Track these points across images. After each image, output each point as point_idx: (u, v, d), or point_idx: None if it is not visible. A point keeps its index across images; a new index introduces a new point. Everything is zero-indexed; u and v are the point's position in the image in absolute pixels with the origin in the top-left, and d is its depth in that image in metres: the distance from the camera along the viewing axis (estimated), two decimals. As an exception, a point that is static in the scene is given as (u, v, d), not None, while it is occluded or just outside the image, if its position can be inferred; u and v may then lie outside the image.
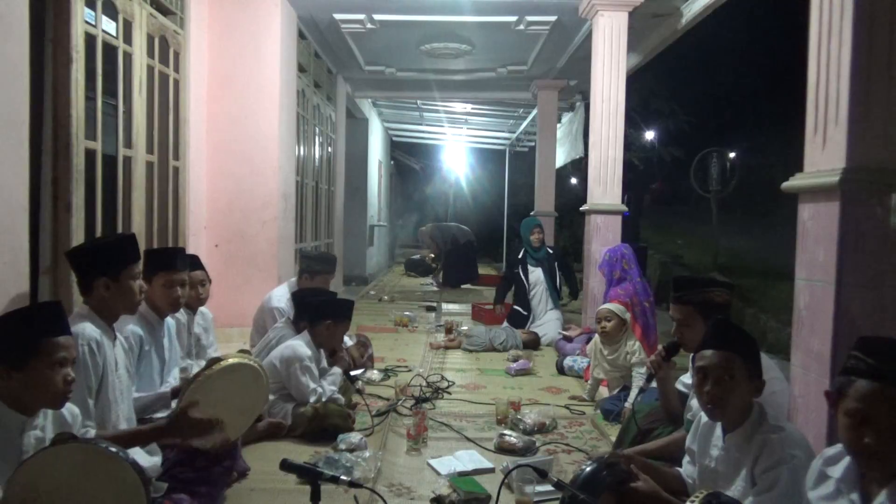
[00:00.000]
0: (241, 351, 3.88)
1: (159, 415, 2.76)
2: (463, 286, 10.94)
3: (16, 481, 1.60)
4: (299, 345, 3.54)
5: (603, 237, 5.55)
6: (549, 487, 2.20)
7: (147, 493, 1.72)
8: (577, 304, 7.21)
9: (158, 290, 2.84)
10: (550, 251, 6.64)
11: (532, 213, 9.45)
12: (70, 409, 1.95)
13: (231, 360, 2.44)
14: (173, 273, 2.87)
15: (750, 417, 2.00)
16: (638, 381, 3.89)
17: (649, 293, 4.85)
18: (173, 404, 2.78)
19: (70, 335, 1.89)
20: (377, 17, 6.48)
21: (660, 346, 2.99)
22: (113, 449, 1.71)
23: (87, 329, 2.20)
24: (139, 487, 1.69)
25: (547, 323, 6.23)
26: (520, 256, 6.56)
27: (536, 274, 6.43)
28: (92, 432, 2.11)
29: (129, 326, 2.69)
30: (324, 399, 3.49)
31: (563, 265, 6.59)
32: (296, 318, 3.83)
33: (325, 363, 3.73)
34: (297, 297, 3.90)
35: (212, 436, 2.27)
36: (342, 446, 3.17)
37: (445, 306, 8.47)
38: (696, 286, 2.68)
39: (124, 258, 2.36)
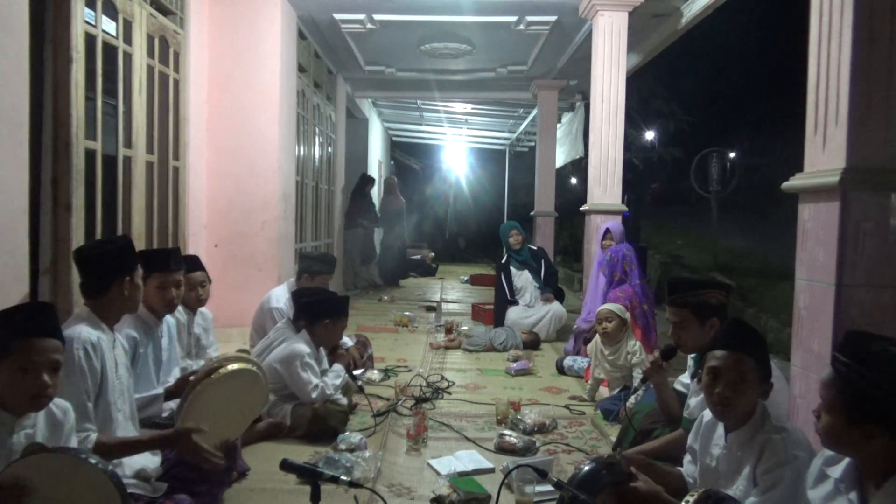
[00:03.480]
0: (240, 350, 3.88)
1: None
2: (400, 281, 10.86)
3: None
4: (299, 344, 3.54)
5: (599, 233, 5.55)
6: (549, 487, 2.20)
7: (122, 493, 1.70)
8: (577, 304, 7.19)
9: (153, 291, 2.85)
10: (534, 249, 6.60)
11: (532, 213, 9.50)
12: (62, 407, 1.93)
13: (229, 367, 2.43)
14: (168, 274, 2.88)
15: (753, 417, 2.00)
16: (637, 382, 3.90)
17: (649, 295, 4.85)
18: (166, 406, 2.80)
19: (56, 339, 1.83)
20: (377, 17, 6.48)
21: (655, 352, 2.99)
22: (82, 455, 1.70)
23: (84, 332, 2.19)
24: (111, 488, 1.67)
25: (539, 312, 6.23)
26: (503, 261, 6.55)
27: (524, 276, 6.40)
28: (93, 436, 2.10)
29: (124, 329, 2.69)
30: (328, 392, 3.49)
31: (548, 265, 6.49)
32: (294, 318, 3.83)
33: (325, 364, 3.73)
34: (296, 297, 3.90)
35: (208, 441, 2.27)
36: (342, 446, 3.17)
37: (445, 306, 8.48)
38: (690, 288, 2.68)
39: (135, 257, 2.43)
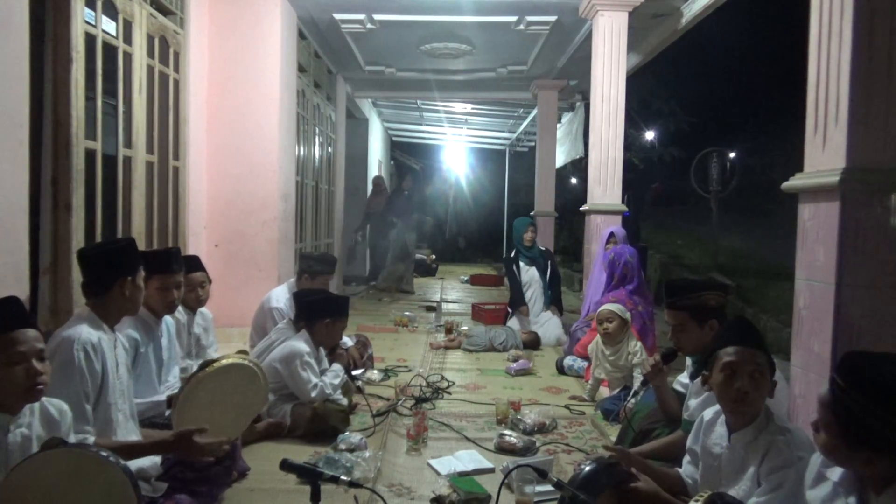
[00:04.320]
0: (240, 352, 3.88)
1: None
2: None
3: (7, 485, 1.60)
4: (299, 343, 3.54)
5: (603, 237, 5.55)
6: (549, 487, 2.20)
7: (137, 495, 1.71)
8: (577, 303, 7.19)
9: (154, 292, 2.85)
10: (542, 249, 6.58)
11: (532, 214, 9.47)
12: (58, 407, 1.93)
13: (224, 361, 2.44)
14: (169, 276, 2.88)
15: (758, 417, 2.00)
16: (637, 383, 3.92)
17: (647, 296, 4.84)
18: (168, 413, 2.79)
19: (30, 328, 1.83)
20: (377, 17, 6.48)
21: (656, 355, 2.99)
22: (104, 453, 1.70)
23: (84, 333, 2.18)
24: (128, 490, 1.68)
25: (546, 323, 6.21)
26: (511, 255, 6.50)
27: (531, 273, 6.37)
28: (90, 439, 2.10)
29: (125, 329, 2.68)
30: (327, 392, 3.50)
31: (554, 267, 6.48)
32: (295, 318, 3.83)
33: (325, 364, 3.73)
34: (298, 298, 3.90)
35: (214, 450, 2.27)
36: (342, 446, 3.17)
37: (445, 306, 8.48)
38: (688, 291, 2.67)
39: (138, 258, 2.42)
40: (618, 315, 4.12)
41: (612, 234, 5.35)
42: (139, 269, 2.39)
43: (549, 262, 6.47)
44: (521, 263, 6.40)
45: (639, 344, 4.13)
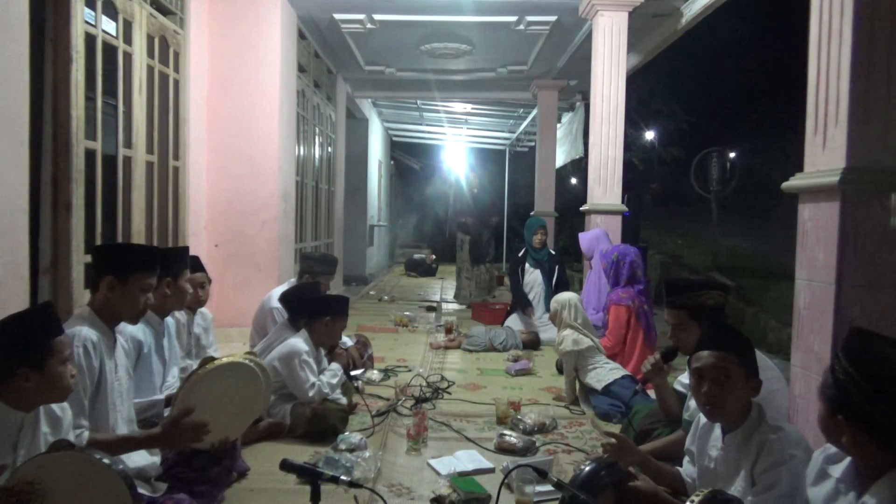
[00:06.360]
0: (248, 353, 3.88)
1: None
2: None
3: (16, 477, 1.62)
4: (298, 342, 3.54)
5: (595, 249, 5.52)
6: (549, 487, 2.20)
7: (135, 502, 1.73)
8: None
9: (183, 287, 2.92)
10: (552, 253, 6.54)
11: (532, 213, 9.44)
12: (60, 405, 1.96)
13: (225, 360, 2.43)
14: (191, 272, 3.00)
15: (749, 417, 2.00)
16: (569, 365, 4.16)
17: (650, 297, 4.85)
18: (167, 412, 2.79)
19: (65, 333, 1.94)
20: (377, 17, 6.48)
21: (656, 354, 2.99)
22: (106, 461, 1.72)
23: (84, 330, 2.19)
24: (127, 498, 1.69)
25: (548, 325, 6.19)
26: (519, 255, 6.50)
27: (534, 276, 6.37)
28: (86, 433, 2.11)
29: (128, 329, 2.68)
30: (325, 391, 3.50)
31: (562, 272, 6.41)
32: (290, 317, 3.81)
33: (325, 363, 3.73)
34: (287, 298, 3.88)
35: (206, 438, 2.26)
36: (342, 446, 3.17)
37: (445, 306, 8.47)
38: (687, 290, 2.68)
39: (138, 264, 2.34)
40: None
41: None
42: (134, 275, 2.31)
43: (557, 268, 6.38)
44: (527, 265, 6.40)
45: (565, 333, 4.16)
